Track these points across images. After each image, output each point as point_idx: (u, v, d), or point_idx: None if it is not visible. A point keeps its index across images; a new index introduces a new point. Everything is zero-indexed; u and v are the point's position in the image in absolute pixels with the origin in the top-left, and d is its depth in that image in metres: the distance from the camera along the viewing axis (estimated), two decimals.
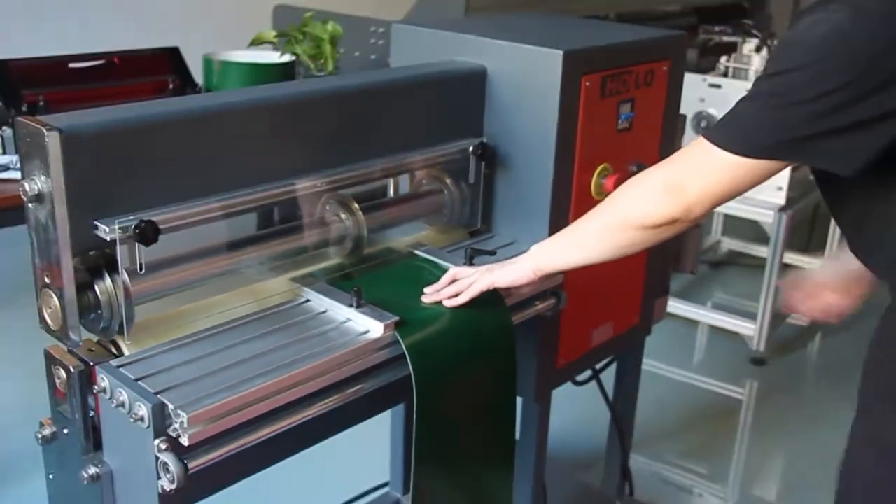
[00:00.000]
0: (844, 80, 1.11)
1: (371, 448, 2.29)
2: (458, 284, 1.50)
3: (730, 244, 4.28)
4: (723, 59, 3.49)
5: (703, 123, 3.26)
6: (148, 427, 1.18)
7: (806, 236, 4.30)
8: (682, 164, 1.30)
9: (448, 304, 1.49)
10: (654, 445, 2.86)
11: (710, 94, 3.28)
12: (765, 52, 3.37)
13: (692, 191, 1.27)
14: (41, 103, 2.61)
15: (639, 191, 1.35)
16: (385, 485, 2.36)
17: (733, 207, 3.29)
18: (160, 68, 3.03)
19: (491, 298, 1.52)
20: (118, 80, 2.90)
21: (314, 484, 2.28)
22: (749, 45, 3.50)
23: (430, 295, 1.51)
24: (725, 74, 3.40)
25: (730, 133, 1.23)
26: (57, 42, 2.93)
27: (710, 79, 3.31)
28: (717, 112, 3.24)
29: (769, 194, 3.21)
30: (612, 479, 2.30)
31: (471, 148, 1.71)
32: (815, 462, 2.82)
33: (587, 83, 1.67)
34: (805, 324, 3.82)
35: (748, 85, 3.20)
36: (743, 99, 1.23)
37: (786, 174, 3.08)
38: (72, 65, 2.82)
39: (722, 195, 1.27)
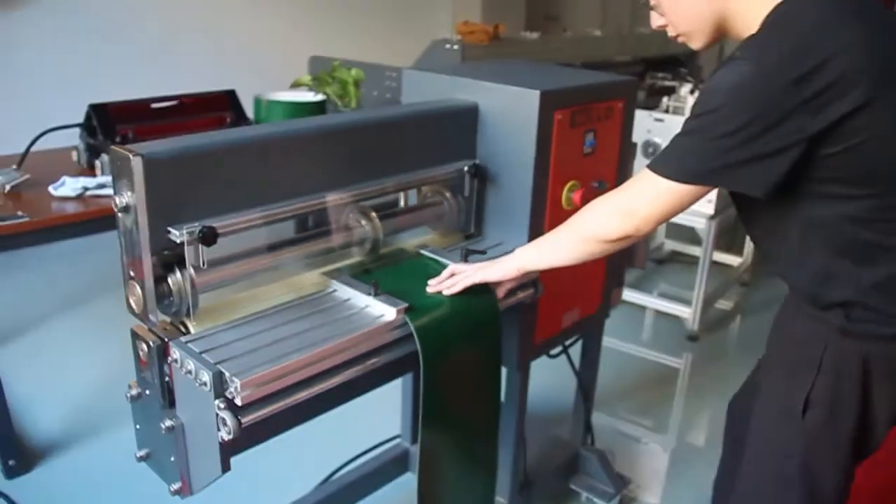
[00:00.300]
0: (746, 118, 1.13)
1: (385, 407, 2.28)
2: (456, 277, 1.50)
3: (671, 245, 4.27)
4: (665, 99, 3.49)
5: (651, 150, 3.25)
6: (209, 390, 1.18)
7: (729, 239, 4.29)
8: (633, 192, 1.31)
9: (447, 292, 1.49)
10: (611, 404, 2.86)
11: (655, 126, 3.27)
12: (697, 94, 3.36)
13: (641, 214, 1.29)
14: (130, 136, 2.64)
15: (601, 213, 1.37)
16: (397, 437, 2.36)
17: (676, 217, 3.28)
18: (220, 106, 3.06)
19: (482, 290, 1.52)
20: (188, 116, 2.94)
21: (338, 435, 2.28)
22: (685, 88, 3.51)
23: (433, 286, 1.50)
24: (667, 111, 3.39)
25: (669, 165, 1.25)
26: (142, 88, 2.96)
27: (655, 114, 3.30)
28: (661, 140, 3.23)
29: (701, 205, 3.19)
30: (577, 432, 2.29)
31: (466, 168, 1.70)
32: None
33: (559, 116, 1.66)
34: (729, 309, 3.82)
35: (683, 119, 3.23)
36: (677, 135, 1.25)
37: (714, 191, 3.07)
38: (153, 105, 2.87)
39: (665, 215, 1.29)
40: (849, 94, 1.11)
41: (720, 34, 1.31)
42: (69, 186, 2.40)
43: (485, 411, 1.62)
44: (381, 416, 2.38)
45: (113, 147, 1.23)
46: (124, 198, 1.22)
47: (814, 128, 1.13)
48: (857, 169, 1.17)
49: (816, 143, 1.14)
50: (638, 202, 1.29)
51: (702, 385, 3.16)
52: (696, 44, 1.35)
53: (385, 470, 2.22)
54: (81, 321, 3.34)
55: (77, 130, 2.69)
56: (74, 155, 2.69)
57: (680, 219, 3.27)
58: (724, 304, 3.82)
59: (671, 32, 1.36)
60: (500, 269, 1.49)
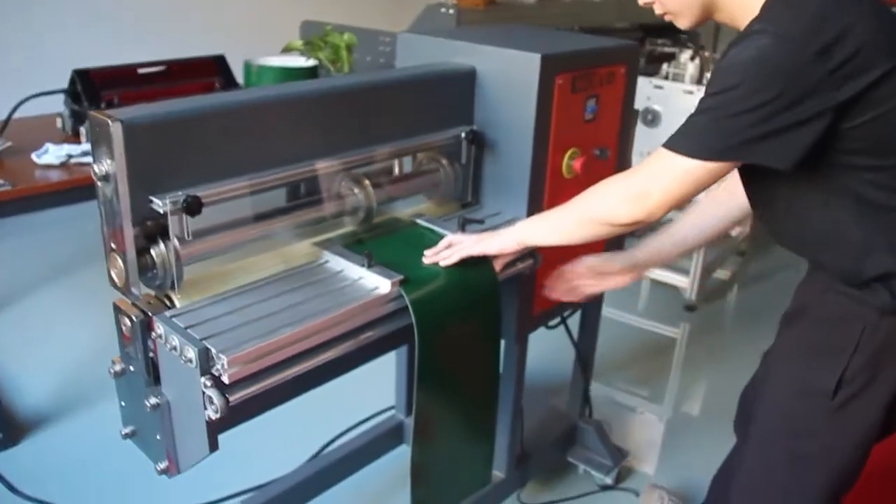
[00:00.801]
0: (770, 94, 1.08)
1: (378, 377, 2.22)
2: (452, 249, 1.44)
3: (670, 214, 4.19)
4: (664, 66, 3.40)
5: (650, 117, 3.17)
6: (195, 368, 1.12)
7: None
8: (647, 173, 1.24)
9: (443, 263, 1.43)
10: (607, 374, 2.82)
11: (654, 94, 3.19)
12: (697, 60, 3.28)
13: (655, 197, 1.23)
14: (116, 102, 2.57)
15: (611, 195, 1.30)
16: (391, 408, 2.31)
17: None
18: (209, 72, 2.98)
19: (480, 262, 1.46)
20: (175, 82, 2.85)
21: (330, 406, 2.22)
22: (685, 55, 3.41)
23: (429, 257, 1.44)
24: (666, 77, 3.31)
25: (688, 142, 1.18)
26: (129, 53, 2.88)
27: (655, 81, 3.22)
28: (661, 108, 3.15)
29: None
30: (575, 404, 2.25)
31: (463, 134, 1.63)
32: (730, 387, 2.76)
33: (560, 81, 1.59)
34: (726, 279, 3.78)
35: (684, 86, 3.16)
36: (692, 115, 1.18)
37: None
38: (140, 70, 2.78)
39: (679, 199, 1.23)
40: (872, 63, 1.08)
41: (707, 15, 1.27)
42: (53, 154, 2.32)
43: (483, 385, 1.57)
44: (375, 386, 2.33)
45: (91, 112, 1.16)
46: (104, 166, 1.15)
47: (839, 98, 1.09)
48: (883, 138, 1.13)
49: (842, 114, 1.11)
50: (652, 184, 1.23)
51: (699, 355, 3.12)
52: (682, 23, 1.30)
53: (379, 443, 2.18)
54: (68, 291, 3.27)
55: (61, 97, 2.61)
56: (59, 122, 2.61)
57: None
58: (721, 274, 3.78)
59: (658, 10, 1.31)
60: (499, 242, 1.43)
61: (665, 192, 1.21)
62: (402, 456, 2.23)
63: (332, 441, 2.34)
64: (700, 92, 3.08)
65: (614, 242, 1.72)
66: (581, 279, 1.59)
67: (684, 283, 3.39)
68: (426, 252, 1.45)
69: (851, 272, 1.23)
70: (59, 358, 2.75)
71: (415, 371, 1.37)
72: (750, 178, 1.29)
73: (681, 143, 1.18)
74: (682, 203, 1.25)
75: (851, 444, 1.29)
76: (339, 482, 2.07)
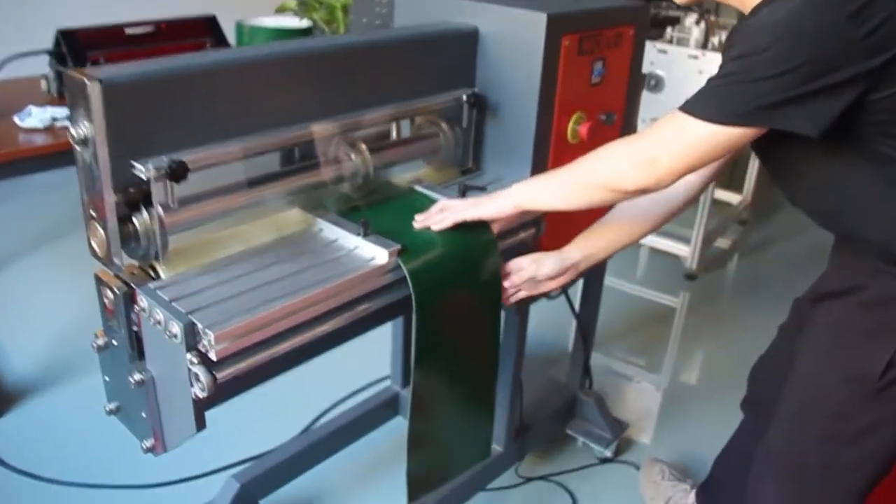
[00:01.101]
0: (798, 61, 1.00)
1: (374, 345, 2.15)
2: (445, 213, 1.36)
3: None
4: (668, 30, 3.30)
5: (653, 82, 3.08)
6: (181, 343, 1.05)
7: (728, 178, 4.15)
8: (657, 137, 1.16)
9: (435, 227, 1.35)
10: (605, 343, 2.77)
11: (658, 58, 3.09)
12: (703, 24, 3.18)
13: (665, 163, 1.14)
14: (102, 63, 2.48)
15: (618, 159, 1.21)
16: (386, 377, 2.26)
17: None
18: (199, 32, 2.88)
19: (481, 229, 1.38)
20: (164, 42, 2.77)
21: (323, 375, 2.17)
22: (690, 19, 3.31)
23: (420, 221, 1.37)
24: (671, 41, 3.21)
25: (707, 105, 1.09)
26: (117, 12, 2.77)
27: (659, 45, 3.12)
28: (665, 73, 3.05)
29: None
30: (575, 375, 2.19)
31: (464, 97, 1.55)
32: (729, 356, 2.76)
33: (566, 42, 1.50)
34: (727, 248, 3.72)
35: (689, 50, 3.06)
36: (712, 78, 1.09)
37: None
38: (127, 31, 2.69)
39: (691, 166, 1.14)
40: None
41: None
42: (37, 117, 2.24)
43: (483, 356, 1.51)
44: (369, 354, 2.28)
45: (67, 71, 1.08)
46: (82, 129, 1.07)
47: (872, 64, 1.01)
48: None
49: (875, 80, 1.03)
50: (661, 149, 1.14)
51: (698, 324, 3.07)
52: None
53: (374, 414, 2.13)
54: (54, 259, 3.18)
55: (45, 57, 2.51)
56: (43, 84, 2.52)
57: None
58: (721, 243, 3.71)
59: None
60: (496, 206, 1.34)
61: (675, 158, 1.13)
62: (397, 428, 2.18)
63: (326, 412, 2.29)
64: (705, 56, 3.00)
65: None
66: (512, 283, 1.45)
67: (685, 251, 3.32)
68: (417, 217, 1.38)
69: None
70: (45, 327, 2.69)
71: (412, 343, 1.31)
72: (779, 153, 1.20)
73: (699, 106, 1.10)
74: (693, 170, 1.16)
75: (892, 427, 1.24)
76: (333, 455, 2.02)
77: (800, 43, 1.00)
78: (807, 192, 1.24)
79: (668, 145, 1.14)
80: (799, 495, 1.33)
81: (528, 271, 1.42)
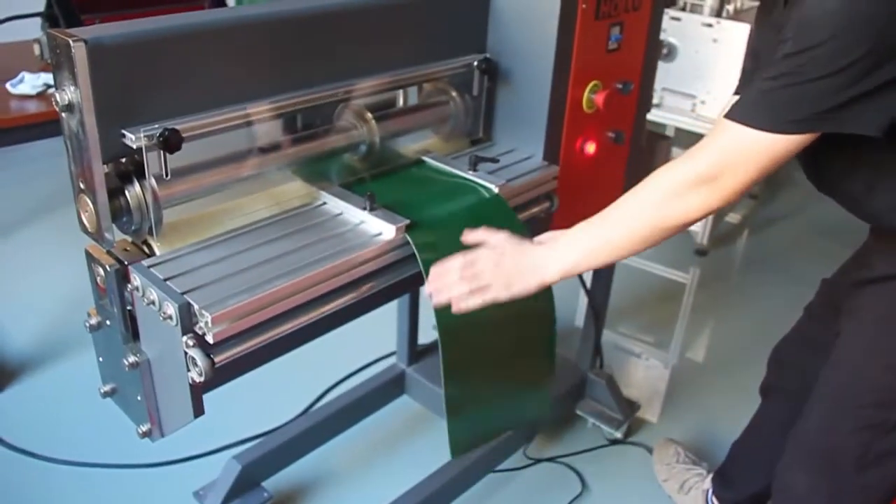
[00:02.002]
0: (861, 52, 0.91)
1: (379, 319, 2.08)
2: (471, 290, 1.13)
3: None
4: None
5: (665, 51, 2.98)
6: (176, 325, 0.99)
7: None
8: (714, 154, 1.04)
9: (458, 308, 1.14)
10: (614, 319, 2.70)
11: (671, 26, 2.98)
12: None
13: (728, 182, 1.03)
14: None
15: (673, 191, 1.06)
16: (392, 353, 2.20)
17: (689, 124, 3.04)
18: None
19: (494, 200, 1.30)
20: (161, 4, 2.68)
21: (327, 352, 2.11)
22: None
23: (437, 292, 1.16)
24: (684, 8, 3.10)
25: (760, 113, 1.00)
26: None
27: (672, 12, 3.01)
28: (678, 41, 2.96)
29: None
30: (585, 355, 2.13)
31: (475, 63, 1.46)
32: (742, 333, 2.70)
33: (583, 5, 1.42)
34: (737, 223, 3.64)
35: (703, 18, 2.96)
36: (764, 80, 1.00)
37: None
38: None
39: (755, 178, 1.03)
40: None
41: None
42: (29, 83, 2.17)
43: (523, 319, 1.40)
44: (374, 330, 2.20)
45: (50, 30, 1.00)
46: (67, 94, 1.00)
47: None
48: None
49: None
50: (720, 166, 1.03)
51: (708, 301, 3.01)
52: None
53: (379, 393, 2.07)
54: (51, 231, 3.12)
55: (38, 21, 2.42)
56: (36, 48, 2.42)
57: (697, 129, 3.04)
58: (732, 218, 3.64)
59: None
60: (538, 277, 1.13)
61: (741, 173, 1.02)
62: (403, 407, 2.12)
63: (329, 390, 2.23)
64: (719, 24, 2.90)
65: None
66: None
67: (696, 226, 3.25)
68: (428, 284, 1.17)
69: None
70: (42, 302, 2.62)
71: (435, 322, 1.23)
72: (820, 152, 1.10)
73: (754, 114, 1.00)
74: (756, 182, 1.05)
75: None
76: (337, 435, 1.97)
77: (859, 33, 0.91)
78: (852, 191, 1.16)
79: (727, 160, 1.03)
80: (832, 485, 1.28)
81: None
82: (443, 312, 1.20)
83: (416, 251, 1.20)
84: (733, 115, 1.02)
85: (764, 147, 1.00)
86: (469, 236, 1.19)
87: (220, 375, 1.04)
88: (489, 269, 1.13)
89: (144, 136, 1.03)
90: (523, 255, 1.15)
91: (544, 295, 1.36)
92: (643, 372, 2.53)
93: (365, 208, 1.23)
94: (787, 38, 0.97)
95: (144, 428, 1.16)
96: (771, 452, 1.43)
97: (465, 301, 1.13)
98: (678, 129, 3.20)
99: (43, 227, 3.15)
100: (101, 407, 1.93)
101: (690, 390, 2.42)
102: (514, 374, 1.48)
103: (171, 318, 0.99)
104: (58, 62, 1.00)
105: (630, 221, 1.10)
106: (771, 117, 0.99)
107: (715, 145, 1.04)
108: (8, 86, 2.16)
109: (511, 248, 1.16)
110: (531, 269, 1.14)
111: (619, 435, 2.11)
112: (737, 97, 1.15)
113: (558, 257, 1.13)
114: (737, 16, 2.96)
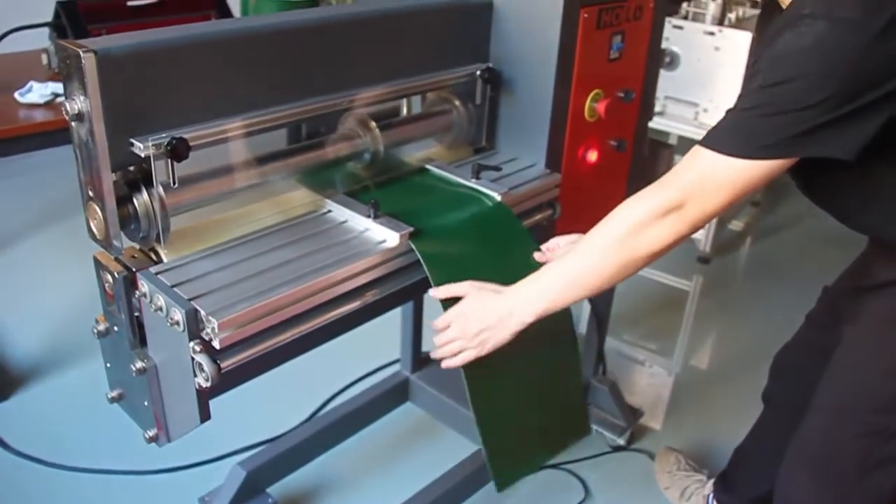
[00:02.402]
0: (833, 88, 0.94)
1: (383, 327, 2.10)
2: (466, 352, 1.20)
3: None
4: (684, 5, 3.21)
5: (668, 59, 3.00)
6: (183, 331, 1.01)
7: None
8: (683, 181, 1.06)
9: (447, 364, 1.22)
10: (615, 326, 2.70)
11: (674, 34, 3.01)
12: None
13: (695, 208, 1.05)
14: (104, 36, 2.41)
15: (639, 221, 1.08)
16: (396, 361, 2.21)
17: (692, 132, 3.06)
18: (204, 5, 2.84)
19: (496, 207, 1.32)
20: (168, 15, 2.71)
21: (331, 359, 2.12)
22: None
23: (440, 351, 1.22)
24: (686, 17, 3.13)
25: (732, 140, 1.02)
26: None
27: (674, 21, 3.04)
28: (680, 50, 2.98)
29: None
30: (589, 361, 2.14)
31: (478, 72, 1.48)
32: (744, 341, 2.70)
33: (585, 15, 1.44)
34: (740, 230, 3.65)
35: (705, 26, 2.98)
36: (734, 111, 1.02)
37: None
38: (129, 2, 2.64)
39: (724, 204, 1.05)
40: None
41: None
42: (37, 93, 2.19)
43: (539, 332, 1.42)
44: (378, 337, 2.22)
45: (59, 41, 1.02)
46: (77, 103, 1.02)
47: None
48: None
49: None
50: (687, 193, 1.04)
51: (711, 308, 3.02)
52: None
53: (383, 400, 2.08)
54: (58, 238, 3.13)
55: (46, 31, 2.45)
56: (44, 58, 2.45)
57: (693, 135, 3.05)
58: (734, 226, 3.65)
59: None
60: (515, 324, 1.17)
61: (708, 199, 1.04)
62: (407, 414, 2.13)
63: (334, 397, 2.24)
64: (721, 33, 2.92)
65: None
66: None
67: (699, 234, 3.26)
68: (436, 347, 1.22)
69: None
70: (50, 309, 2.64)
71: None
72: (812, 173, 1.13)
73: (725, 141, 1.02)
74: (726, 208, 1.07)
75: None
76: (341, 442, 1.98)
77: (831, 72, 0.93)
78: (844, 205, 1.18)
79: (696, 186, 1.04)
80: (833, 490, 1.28)
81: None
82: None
83: (420, 257, 1.21)
84: (706, 141, 1.04)
85: (735, 173, 1.01)
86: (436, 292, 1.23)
87: (226, 381, 1.05)
88: (463, 333, 1.19)
89: (152, 145, 1.05)
90: (495, 306, 1.18)
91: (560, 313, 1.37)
92: (647, 379, 2.54)
93: (369, 216, 1.25)
94: (760, 72, 0.98)
95: (151, 433, 1.17)
96: (773, 458, 1.43)
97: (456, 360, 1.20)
98: (681, 138, 3.21)
99: (50, 234, 3.18)
100: (107, 414, 1.95)
101: (694, 397, 2.43)
102: (546, 397, 1.47)
103: (178, 323, 1.00)
104: (68, 72, 1.01)
105: (598, 257, 1.12)
106: (744, 143, 1.00)
107: (684, 172, 1.06)
108: (16, 95, 2.19)
109: (475, 305, 1.19)
110: (503, 319, 1.17)
111: (622, 442, 2.11)
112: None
113: (530, 302, 1.16)
114: (738, 24, 2.97)
